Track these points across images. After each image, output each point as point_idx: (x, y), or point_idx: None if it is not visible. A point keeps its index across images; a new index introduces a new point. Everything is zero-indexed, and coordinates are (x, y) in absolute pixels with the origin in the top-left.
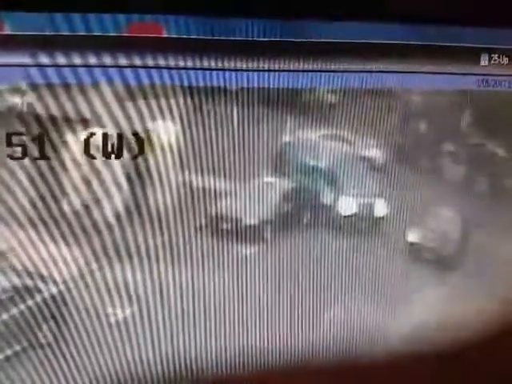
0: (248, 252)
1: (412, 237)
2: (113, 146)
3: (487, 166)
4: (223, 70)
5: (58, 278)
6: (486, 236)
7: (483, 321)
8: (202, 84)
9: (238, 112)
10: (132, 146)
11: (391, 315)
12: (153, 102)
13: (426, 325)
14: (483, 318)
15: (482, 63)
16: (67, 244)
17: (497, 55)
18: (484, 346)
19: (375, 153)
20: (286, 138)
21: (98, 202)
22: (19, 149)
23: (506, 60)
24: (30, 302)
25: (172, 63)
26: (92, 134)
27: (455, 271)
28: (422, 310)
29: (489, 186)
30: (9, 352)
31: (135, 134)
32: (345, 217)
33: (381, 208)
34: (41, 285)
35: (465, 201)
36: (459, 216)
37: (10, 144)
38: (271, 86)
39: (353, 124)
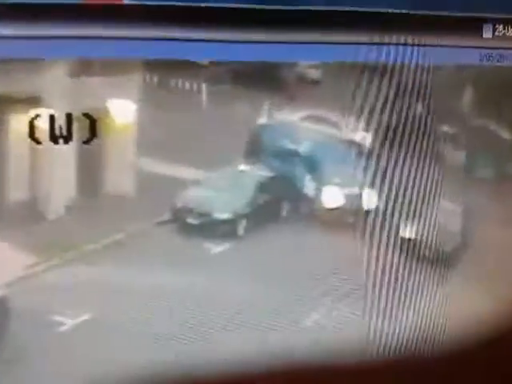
0: (218, 250)
1: (407, 232)
2: (61, 128)
3: (491, 150)
4: (190, 40)
5: None
6: (490, 230)
7: (485, 324)
8: (165, 57)
9: (206, 90)
10: (83, 129)
11: (384, 320)
12: (109, 78)
13: (423, 329)
14: (485, 321)
15: (485, 35)
16: (6, 240)
17: (501, 26)
18: (486, 348)
19: (364, 136)
20: (262, 120)
21: (43, 192)
22: None
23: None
24: None
25: (132, 33)
26: (37, 116)
27: (456, 270)
28: (418, 313)
29: (493, 172)
30: None
31: (87, 115)
32: (329, 209)
33: (371, 199)
34: None
35: (467, 190)
36: (460, 207)
37: None
38: (245, 60)
39: (338, 103)
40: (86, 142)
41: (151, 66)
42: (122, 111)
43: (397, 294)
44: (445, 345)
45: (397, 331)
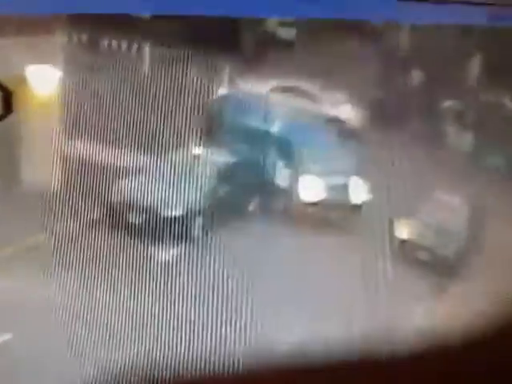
0: (167, 257)
1: (401, 231)
2: None
3: (503, 131)
4: None
5: None
6: (500, 229)
7: (487, 334)
8: (98, 11)
9: (150, 52)
10: None
11: (372, 332)
12: (27, 39)
13: (418, 339)
14: (487, 330)
15: None
16: None
17: None
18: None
19: (349, 112)
20: (222, 91)
21: None
22: None
23: None
24: None
25: None
26: None
27: (457, 276)
28: (412, 324)
29: (506, 159)
30: None
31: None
32: (308, 204)
33: (358, 191)
34: None
35: (473, 181)
36: (465, 202)
37: None
38: (200, 14)
39: (317, 72)
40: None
41: (79, 22)
42: (44, 80)
43: (389, 305)
44: (446, 346)
45: (393, 333)
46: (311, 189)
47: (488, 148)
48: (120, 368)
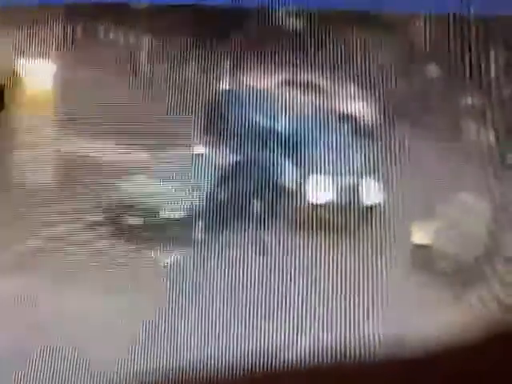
0: (168, 261)
1: (418, 236)
2: None
3: None
4: None
5: None
6: None
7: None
8: (92, 0)
9: (148, 44)
10: None
11: (380, 340)
12: (20, 31)
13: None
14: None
15: None
16: None
17: None
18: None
19: (362, 108)
20: (225, 85)
21: None
22: None
23: None
24: None
25: None
26: None
27: (479, 283)
28: (426, 334)
29: None
30: None
31: None
32: (316, 206)
33: (370, 192)
34: None
35: (495, 180)
36: (487, 203)
37: None
38: (201, 3)
39: (327, 65)
40: None
41: (74, 12)
42: (38, 76)
43: (405, 316)
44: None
45: (397, 337)
46: (320, 190)
47: (510, 144)
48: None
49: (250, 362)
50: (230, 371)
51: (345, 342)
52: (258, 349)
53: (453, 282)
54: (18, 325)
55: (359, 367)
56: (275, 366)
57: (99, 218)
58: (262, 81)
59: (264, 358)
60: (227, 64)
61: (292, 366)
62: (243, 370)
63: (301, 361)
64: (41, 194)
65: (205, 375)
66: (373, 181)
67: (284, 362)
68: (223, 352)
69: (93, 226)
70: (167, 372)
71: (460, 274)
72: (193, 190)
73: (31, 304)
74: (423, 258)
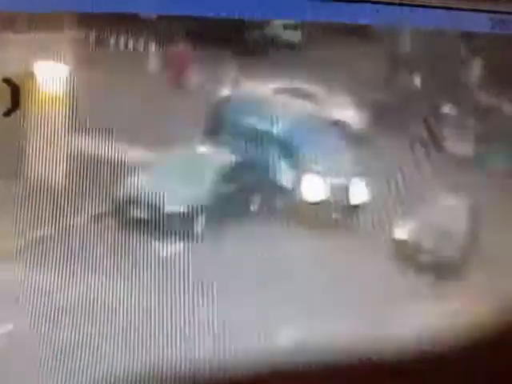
0: (170, 252)
1: (400, 232)
2: None
3: (502, 134)
4: None
5: None
6: (501, 231)
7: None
8: (106, 9)
9: (156, 51)
10: (2, 98)
11: (370, 336)
12: (37, 35)
13: (414, 345)
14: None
15: None
16: None
17: None
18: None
19: (351, 115)
20: (226, 91)
21: None
22: None
23: None
24: None
25: None
26: None
27: (458, 280)
28: (411, 328)
29: (504, 161)
30: None
31: (7, 81)
32: (309, 204)
33: (358, 192)
34: None
35: (473, 182)
36: (465, 203)
37: None
38: (205, 15)
39: (320, 74)
40: (7, 114)
41: (87, 20)
42: (51, 76)
43: (388, 308)
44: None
45: (393, 336)
46: (314, 188)
47: (486, 150)
48: (121, 365)
49: (249, 357)
50: (230, 366)
51: (334, 336)
52: (255, 345)
53: (433, 273)
54: (26, 313)
55: (348, 363)
56: (264, 361)
57: (108, 210)
58: (260, 87)
59: (253, 353)
60: (228, 73)
61: (276, 362)
62: (245, 364)
63: (286, 355)
64: (52, 187)
65: (202, 367)
66: (360, 181)
67: (268, 355)
68: (223, 348)
69: (103, 216)
70: (162, 362)
71: (439, 265)
72: (193, 188)
73: (40, 292)
74: (404, 251)
